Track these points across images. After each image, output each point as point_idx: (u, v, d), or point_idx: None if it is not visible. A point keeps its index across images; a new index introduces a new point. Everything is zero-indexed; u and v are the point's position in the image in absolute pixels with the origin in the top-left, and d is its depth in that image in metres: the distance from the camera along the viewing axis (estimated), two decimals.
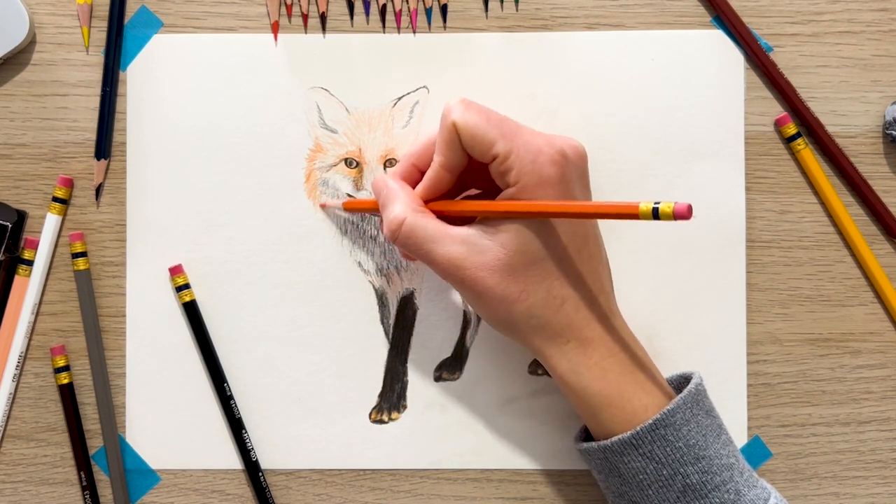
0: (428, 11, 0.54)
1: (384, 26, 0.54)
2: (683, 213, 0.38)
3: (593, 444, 0.47)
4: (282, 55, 0.54)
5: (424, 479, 0.54)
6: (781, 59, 0.54)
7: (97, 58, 0.54)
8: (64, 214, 0.54)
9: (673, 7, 0.54)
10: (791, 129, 0.53)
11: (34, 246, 0.53)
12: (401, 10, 0.54)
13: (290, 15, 0.54)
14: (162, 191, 0.54)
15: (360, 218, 0.54)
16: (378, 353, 0.54)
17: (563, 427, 0.54)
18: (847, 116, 0.54)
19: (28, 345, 0.54)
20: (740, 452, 0.48)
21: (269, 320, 0.54)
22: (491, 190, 0.48)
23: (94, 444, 0.54)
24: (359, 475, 0.54)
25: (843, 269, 0.54)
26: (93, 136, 0.54)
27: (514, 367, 0.54)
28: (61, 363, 0.53)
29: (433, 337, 0.54)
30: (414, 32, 0.54)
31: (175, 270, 0.53)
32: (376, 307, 0.54)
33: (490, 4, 0.54)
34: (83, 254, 0.53)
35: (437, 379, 0.54)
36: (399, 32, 0.54)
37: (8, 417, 0.54)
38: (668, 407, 0.45)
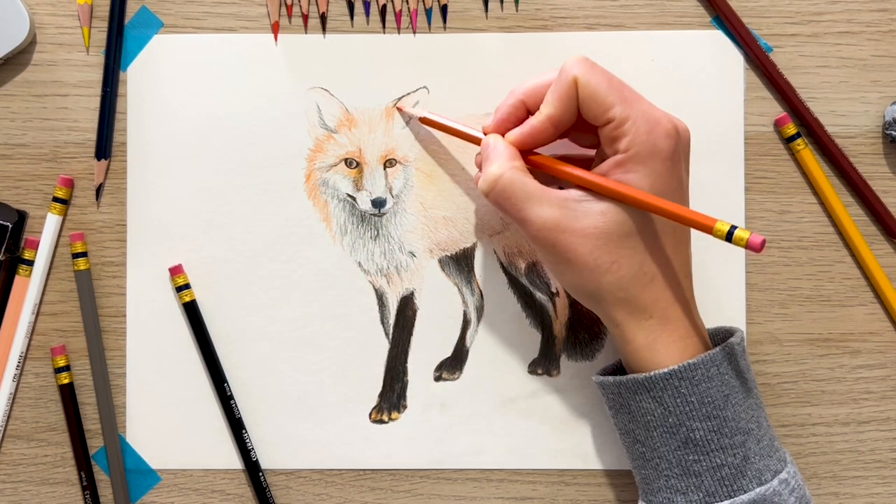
0: (428, 12, 0.54)
1: (384, 26, 0.54)
2: (755, 246, 0.41)
3: (609, 377, 0.48)
4: (282, 55, 0.54)
5: (424, 479, 0.54)
6: (781, 59, 0.54)
7: (97, 58, 0.54)
8: (64, 214, 0.54)
9: (673, 7, 0.54)
10: (791, 129, 0.53)
11: (34, 246, 0.53)
12: (401, 11, 0.54)
13: (290, 15, 0.54)
14: (162, 191, 0.54)
15: (360, 218, 0.54)
16: (378, 353, 0.54)
17: (563, 427, 0.54)
18: (847, 116, 0.54)
19: (28, 345, 0.54)
20: (767, 419, 0.48)
21: (269, 320, 0.54)
22: (581, 155, 0.48)
23: (95, 444, 0.54)
24: (359, 475, 0.54)
25: (842, 269, 0.54)
26: (93, 136, 0.54)
27: (514, 367, 0.54)
28: (61, 363, 0.53)
29: (433, 337, 0.54)
30: (414, 33, 0.54)
31: (175, 270, 0.53)
32: (376, 307, 0.54)
33: (490, 4, 0.54)
34: (83, 254, 0.53)
35: (437, 379, 0.54)
36: (399, 33, 0.54)
37: (8, 417, 0.54)
38: (690, 361, 0.45)
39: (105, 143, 0.53)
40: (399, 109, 0.53)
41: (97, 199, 0.54)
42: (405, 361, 0.54)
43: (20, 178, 0.54)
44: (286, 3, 0.54)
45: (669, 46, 0.54)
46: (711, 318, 0.53)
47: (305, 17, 0.54)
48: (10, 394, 0.53)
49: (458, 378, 0.54)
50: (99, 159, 0.54)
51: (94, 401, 0.54)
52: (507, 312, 0.54)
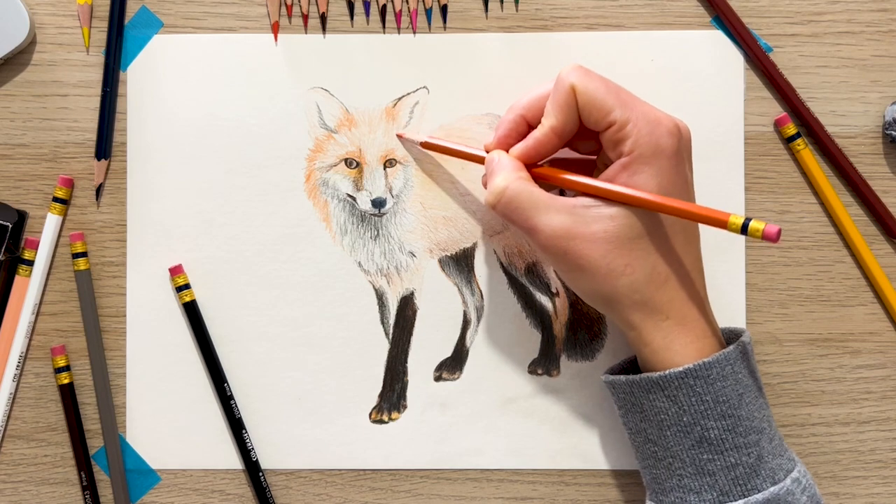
0: (428, 12, 0.54)
1: (384, 26, 0.54)
2: (772, 236, 0.41)
3: (620, 377, 0.47)
4: (282, 55, 0.54)
5: (424, 479, 0.54)
6: (781, 59, 0.54)
7: (97, 58, 0.54)
8: (64, 214, 0.54)
9: (673, 7, 0.54)
10: (791, 129, 0.53)
11: (34, 246, 0.53)
12: (401, 11, 0.54)
13: (290, 15, 0.54)
14: (162, 191, 0.54)
15: (360, 218, 0.54)
16: (378, 353, 0.54)
17: (563, 427, 0.54)
18: (847, 116, 0.54)
19: (28, 345, 0.54)
20: (773, 418, 0.48)
21: (269, 320, 0.54)
22: (581, 159, 0.48)
23: (95, 444, 0.54)
24: (359, 475, 0.54)
25: (842, 269, 0.54)
26: (93, 136, 0.54)
27: (514, 367, 0.54)
28: (62, 363, 0.53)
29: (433, 337, 0.54)
30: (414, 33, 0.54)
31: (175, 270, 0.53)
32: (376, 307, 0.54)
33: (490, 4, 0.54)
34: (83, 254, 0.53)
35: (437, 379, 0.54)
36: (399, 33, 0.54)
37: (8, 417, 0.54)
38: (705, 360, 0.45)
39: (105, 143, 0.53)
40: (400, 137, 0.53)
41: (97, 199, 0.54)
42: (405, 361, 0.54)
43: (20, 178, 0.54)
44: (286, 3, 0.54)
45: (669, 46, 0.54)
46: None
47: (305, 17, 0.54)
48: (10, 394, 0.53)
49: (458, 378, 0.54)
50: (99, 159, 0.54)
51: (94, 401, 0.54)
52: (507, 312, 0.54)
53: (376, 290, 0.54)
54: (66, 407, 0.53)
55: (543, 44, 0.54)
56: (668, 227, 0.46)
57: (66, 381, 0.53)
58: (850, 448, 0.54)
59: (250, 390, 0.54)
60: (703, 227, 0.48)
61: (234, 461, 0.54)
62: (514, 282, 0.54)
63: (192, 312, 0.53)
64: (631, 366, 0.51)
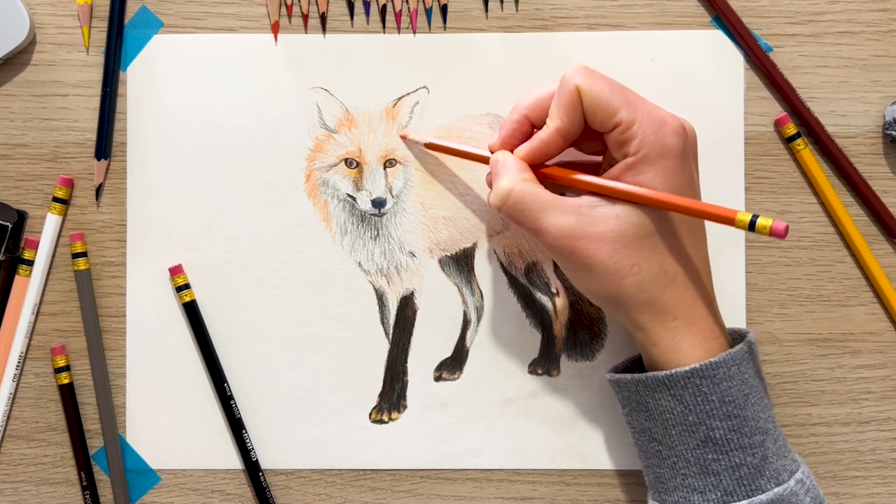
0: (428, 12, 0.54)
1: (384, 26, 0.54)
2: (780, 232, 0.41)
3: (626, 375, 0.47)
4: (282, 55, 0.54)
5: (424, 479, 0.54)
6: (781, 59, 0.54)
7: (97, 58, 0.54)
8: (64, 214, 0.54)
9: (673, 7, 0.54)
10: (791, 129, 0.53)
11: (34, 246, 0.53)
12: (401, 11, 0.54)
13: (290, 15, 0.54)
14: (162, 191, 0.54)
15: (360, 218, 0.54)
16: (378, 353, 0.54)
17: (563, 427, 0.54)
18: (847, 116, 0.54)
19: (28, 345, 0.54)
20: (776, 419, 0.48)
21: (269, 320, 0.54)
22: (586, 160, 0.48)
23: (95, 444, 0.54)
24: (359, 475, 0.54)
25: (842, 269, 0.54)
26: (93, 136, 0.54)
27: (514, 367, 0.54)
28: (61, 363, 0.53)
29: (433, 337, 0.54)
30: (414, 32, 0.54)
31: (175, 270, 0.53)
32: (376, 307, 0.54)
33: (490, 4, 0.54)
34: (83, 254, 0.53)
35: (437, 379, 0.54)
36: (399, 32, 0.54)
37: (8, 417, 0.54)
38: (711, 359, 0.45)
39: (105, 143, 0.53)
40: (404, 138, 0.53)
41: (97, 199, 0.54)
42: (405, 361, 0.54)
43: (20, 178, 0.54)
44: (286, 3, 0.54)
45: (669, 46, 0.54)
46: None
47: (305, 17, 0.54)
48: (10, 394, 0.53)
49: (458, 378, 0.54)
50: (99, 159, 0.54)
51: (94, 401, 0.54)
52: (507, 312, 0.54)
53: (376, 290, 0.54)
54: (66, 407, 0.53)
55: (543, 44, 0.54)
56: (675, 226, 0.46)
57: (66, 381, 0.53)
58: (850, 448, 0.54)
59: (250, 390, 0.54)
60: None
61: (234, 461, 0.54)
62: (514, 282, 0.54)
63: (192, 312, 0.53)
64: (635, 364, 0.51)
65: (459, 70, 0.54)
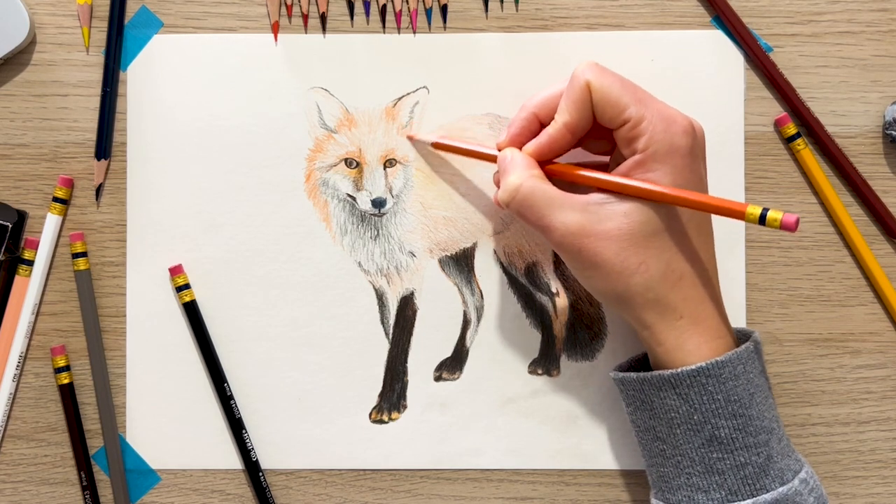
0: (428, 11, 0.54)
1: (384, 26, 0.54)
2: (790, 225, 0.40)
3: (631, 374, 0.47)
4: (282, 55, 0.54)
5: (424, 479, 0.54)
6: (781, 59, 0.54)
7: (97, 58, 0.54)
8: (64, 214, 0.54)
9: (673, 7, 0.54)
10: (791, 129, 0.53)
11: (34, 246, 0.53)
12: (401, 11, 0.54)
13: (290, 15, 0.54)
14: (162, 191, 0.54)
15: (360, 218, 0.54)
16: (378, 353, 0.54)
17: (563, 427, 0.54)
18: (847, 116, 0.54)
19: (28, 345, 0.54)
20: (780, 418, 0.48)
21: (269, 320, 0.54)
22: (593, 160, 0.48)
23: (95, 444, 0.54)
24: (359, 475, 0.54)
25: (842, 269, 0.54)
26: (93, 136, 0.54)
27: (514, 367, 0.54)
28: (61, 363, 0.53)
29: (433, 337, 0.54)
30: (414, 32, 0.54)
31: (175, 270, 0.53)
32: (376, 307, 0.54)
33: (490, 4, 0.54)
34: (83, 254, 0.53)
35: (437, 379, 0.54)
36: (399, 32, 0.54)
37: (8, 417, 0.54)
38: (717, 358, 0.44)
39: (105, 143, 0.53)
40: (410, 138, 0.53)
41: (97, 199, 0.54)
42: (405, 361, 0.54)
43: (20, 178, 0.54)
44: (286, 3, 0.54)
45: (669, 46, 0.54)
46: None
47: (305, 17, 0.54)
48: (10, 394, 0.53)
49: (458, 378, 0.54)
50: (99, 159, 0.54)
51: (94, 401, 0.54)
52: (507, 312, 0.54)
53: (376, 290, 0.54)
54: (66, 407, 0.53)
55: (543, 44, 0.54)
56: (683, 223, 0.46)
57: (66, 381, 0.53)
58: (850, 448, 0.54)
59: (250, 390, 0.54)
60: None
61: (234, 461, 0.54)
62: (514, 282, 0.54)
63: (192, 312, 0.53)
64: (638, 363, 0.51)
65: (459, 70, 0.54)
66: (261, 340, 0.54)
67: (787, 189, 0.54)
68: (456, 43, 0.54)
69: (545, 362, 0.54)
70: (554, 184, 0.47)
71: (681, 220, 0.46)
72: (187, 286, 0.53)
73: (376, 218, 0.54)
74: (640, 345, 0.53)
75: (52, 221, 0.53)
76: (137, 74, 0.54)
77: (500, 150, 0.49)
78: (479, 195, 0.54)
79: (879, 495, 0.54)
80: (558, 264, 0.54)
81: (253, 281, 0.54)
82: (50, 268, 0.54)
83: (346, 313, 0.54)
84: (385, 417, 0.54)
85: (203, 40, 0.54)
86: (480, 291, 0.54)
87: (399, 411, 0.54)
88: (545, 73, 0.53)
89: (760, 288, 0.54)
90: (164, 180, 0.54)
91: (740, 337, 0.49)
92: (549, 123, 0.48)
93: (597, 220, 0.45)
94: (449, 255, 0.54)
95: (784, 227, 0.41)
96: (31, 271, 0.53)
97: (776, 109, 0.54)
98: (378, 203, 0.54)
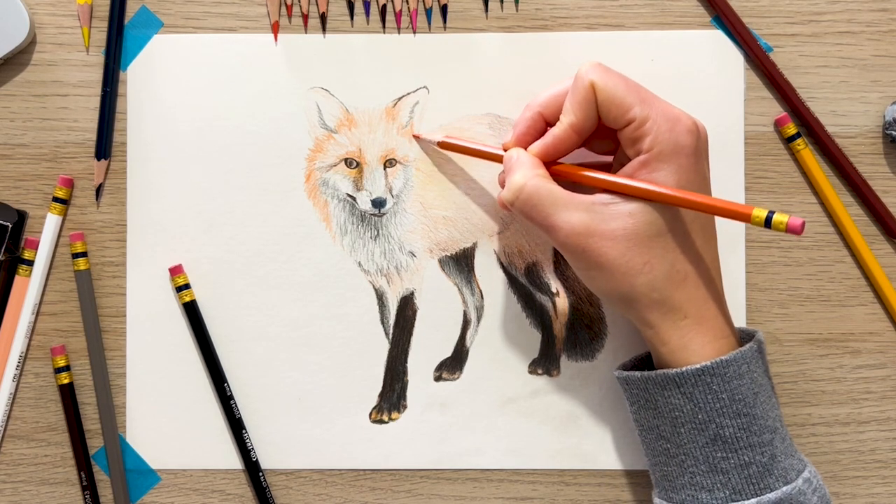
0: (428, 11, 0.54)
1: (384, 26, 0.54)
2: (796, 229, 0.40)
3: (635, 372, 0.47)
4: (282, 55, 0.54)
5: (424, 479, 0.54)
6: (781, 59, 0.54)
7: (97, 58, 0.54)
8: (64, 214, 0.54)
9: (673, 7, 0.54)
10: (791, 129, 0.53)
11: (34, 246, 0.53)
12: (401, 11, 0.54)
13: (290, 15, 0.54)
14: (162, 191, 0.54)
15: (360, 218, 0.54)
16: (378, 353, 0.54)
17: (563, 427, 0.54)
18: (847, 116, 0.54)
19: (28, 345, 0.54)
20: (783, 418, 0.48)
21: (269, 320, 0.54)
22: (598, 160, 0.48)
23: (95, 444, 0.54)
24: (359, 475, 0.54)
25: (842, 269, 0.54)
26: (93, 136, 0.54)
27: (514, 367, 0.54)
28: (61, 363, 0.53)
29: (433, 337, 0.54)
30: (414, 32, 0.54)
31: (175, 270, 0.53)
32: (376, 307, 0.54)
33: (490, 4, 0.54)
34: (83, 254, 0.53)
35: (437, 379, 0.54)
36: (399, 32, 0.54)
37: (8, 417, 0.54)
38: (722, 357, 0.45)
39: (105, 143, 0.53)
40: (416, 137, 0.53)
41: (97, 199, 0.54)
42: (405, 361, 0.54)
43: (20, 178, 0.54)
44: (286, 3, 0.54)
45: (669, 46, 0.54)
46: None
47: (305, 17, 0.54)
48: (10, 394, 0.53)
49: (458, 378, 0.54)
50: (99, 159, 0.54)
51: (94, 401, 0.54)
52: (507, 312, 0.54)
53: (376, 290, 0.54)
54: (66, 407, 0.53)
55: (543, 44, 0.54)
56: (687, 224, 0.46)
57: (66, 381, 0.53)
58: (850, 448, 0.54)
59: (250, 390, 0.54)
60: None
61: (234, 461, 0.54)
62: (514, 282, 0.54)
63: (192, 312, 0.53)
64: (641, 362, 0.51)
65: (459, 70, 0.54)
66: (261, 340, 0.54)
67: (787, 189, 0.54)
68: (456, 43, 0.54)
69: (545, 362, 0.54)
70: (558, 184, 0.47)
71: (685, 220, 0.46)
72: (187, 286, 0.53)
73: (376, 218, 0.54)
74: (641, 344, 0.53)
75: (52, 221, 0.53)
76: (137, 74, 0.54)
77: (505, 150, 0.49)
78: (479, 195, 0.54)
79: (879, 495, 0.54)
80: (558, 264, 0.54)
81: (253, 281, 0.54)
82: (50, 268, 0.54)
83: (346, 313, 0.54)
84: (385, 417, 0.54)
85: (203, 40, 0.54)
86: (480, 291, 0.54)
87: (399, 411, 0.54)
88: (545, 73, 0.53)
89: (760, 288, 0.54)
90: (164, 180, 0.54)
91: (744, 337, 0.49)
92: (554, 122, 0.48)
93: (601, 220, 0.45)
94: (449, 255, 0.54)
95: (790, 230, 0.41)
96: (31, 271, 0.53)
97: (776, 109, 0.54)
98: (378, 203, 0.54)
